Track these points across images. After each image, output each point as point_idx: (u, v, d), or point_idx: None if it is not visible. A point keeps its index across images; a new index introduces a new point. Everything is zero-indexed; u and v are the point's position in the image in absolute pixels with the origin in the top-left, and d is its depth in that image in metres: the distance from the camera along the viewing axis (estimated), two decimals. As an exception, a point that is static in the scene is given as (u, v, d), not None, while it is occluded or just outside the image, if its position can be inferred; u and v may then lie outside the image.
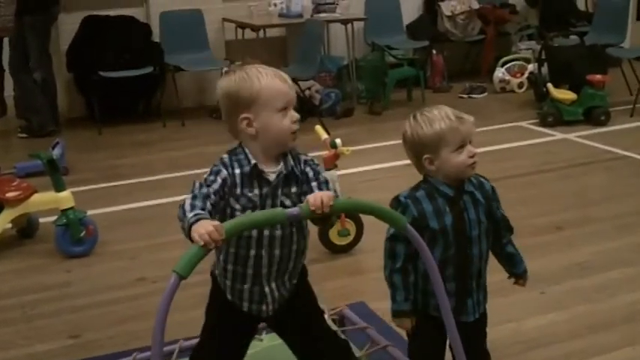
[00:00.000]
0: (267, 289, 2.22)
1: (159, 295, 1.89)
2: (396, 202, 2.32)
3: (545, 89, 6.81)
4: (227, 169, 2.13)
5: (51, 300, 3.68)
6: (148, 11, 7.56)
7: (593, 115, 6.63)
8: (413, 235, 2.13)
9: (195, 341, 2.87)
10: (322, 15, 7.61)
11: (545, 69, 7.25)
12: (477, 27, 8.51)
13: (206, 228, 1.89)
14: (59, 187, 4.18)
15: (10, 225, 4.33)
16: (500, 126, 6.74)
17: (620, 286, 3.61)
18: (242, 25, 7.58)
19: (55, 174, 4.17)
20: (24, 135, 6.75)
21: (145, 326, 3.16)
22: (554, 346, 3.09)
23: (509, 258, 2.49)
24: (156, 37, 7.38)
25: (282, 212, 1.99)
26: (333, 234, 4.04)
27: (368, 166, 5.57)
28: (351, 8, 8.00)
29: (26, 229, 4.45)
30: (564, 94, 6.71)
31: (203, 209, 2.00)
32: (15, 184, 4.37)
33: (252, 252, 2.17)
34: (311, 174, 2.19)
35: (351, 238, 4.09)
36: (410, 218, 2.25)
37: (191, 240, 1.91)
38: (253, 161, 2.14)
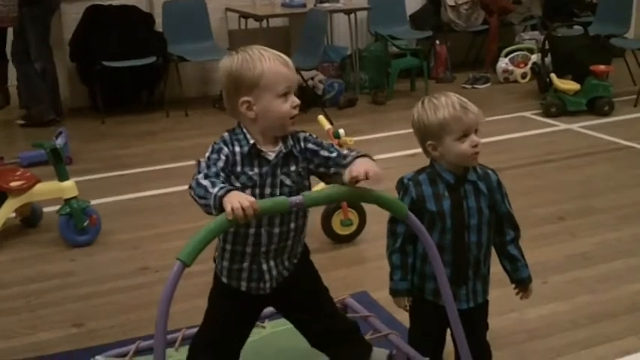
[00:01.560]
0: (264, 267, 2.23)
1: (162, 285, 1.90)
2: (400, 183, 2.37)
3: (548, 79, 6.80)
4: (228, 147, 2.14)
5: (54, 289, 3.69)
6: (150, 1, 7.55)
7: (596, 106, 6.62)
8: (414, 223, 2.16)
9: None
10: (325, 5, 7.60)
11: (548, 59, 7.23)
12: (480, 17, 8.49)
13: (242, 202, 1.90)
14: (62, 177, 4.19)
15: (13, 214, 4.34)
16: (504, 116, 6.74)
17: (623, 277, 3.62)
18: (245, 15, 7.57)
19: (59, 163, 4.18)
20: (22, 122, 6.79)
21: (147, 315, 3.17)
22: (556, 335, 3.10)
23: (512, 260, 2.47)
24: (159, 26, 7.37)
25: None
26: (335, 224, 4.05)
27: (371, 156, 5.58)
28: (355, -2, 8.00)
29: (30, 218, 4.46)
30: (568, 85, 6.70)
31: (224, 184, 2.01)
32: (18, 173, 4.37)
33: (252, 230, 2.17)
34: (314, 147, 2.20)
35: (353, 227, 4.09)
36: (409, 199, 2.31)
37: (211, 213, 1.94)
38: (252, 141, 2.14)
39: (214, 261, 2.34)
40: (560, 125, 6.40)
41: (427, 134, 2.30)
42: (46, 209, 4.50)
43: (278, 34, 7.82)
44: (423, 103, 2.34)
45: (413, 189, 2.33)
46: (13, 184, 4.21)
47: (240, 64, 2.13)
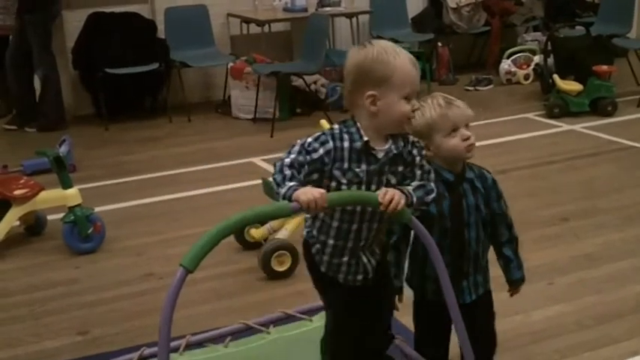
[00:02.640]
0: (364, 260, 2.26)
1: (166, 291, 1.90)
2: None
3: (551, 80, 6.79)
4: (334, 142, 2.12)
5: (59, 297, 3.69)
6: (152, 7, 7.55)
7: (599, 106, 6.61)
8: (417, 226, 2.17)
9: (201, 336, 2.89)
10: (327, 9, 7.60)
11: (551, 60, 7.22)
12: (482, 19, 8.48)
13: (313, 194, 1.96)
14: (66, 185, 4.19)
15: (17, 223, 4.34)
16: (507, 118, 6.73)
17: (628, 277, 3.61)
18: (247, 20, 7.58)
19: (62, 171, 4.19)
20: (9, 127, 6.91)
21: (152, 322, 3.17)
22: (561, 337, 3.09)
23: (505, 261, 2.50)
24: (161, 33, 7.38)
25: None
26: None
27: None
28: (356, 1, 8.00)
29: (34, 226, 4.47)
30: (570, 85, 6.69)
31: (300, 182, 2.04)
32: (22, 181, 4.38)
33: (355, 226, 2.20)
34: (417, 159, 2.21)
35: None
36: None
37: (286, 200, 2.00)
38: (365, 138, 2.13)
39: (304, 247, 2.34)
40: (563, 126, 6.39)
41: (420, 136, 2.31)
42: (50, 217, 4.51)
43: (280, 39, 7.83)
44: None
45: None
46: (16, 192, 4.21)
47: (375, 58, 2.10)
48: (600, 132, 6.15)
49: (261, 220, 3.78)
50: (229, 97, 7.32)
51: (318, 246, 2.28)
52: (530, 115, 6.80)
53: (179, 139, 6.60)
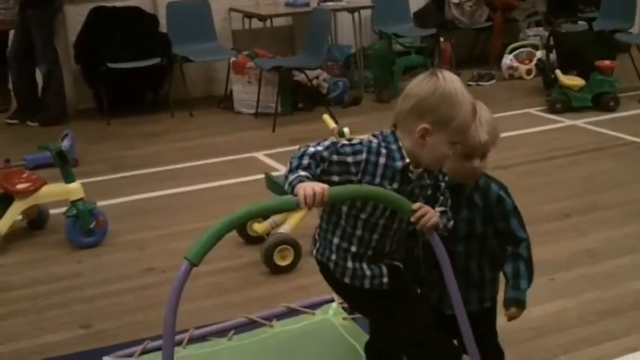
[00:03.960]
0: (384, 267, 2.24)
1: (168, 285, 1.90)
2: None
3: (553, 76, 6.79)
4: (369, 155, 2.09)
5: (61, 291, 3.70)
6: (154, 1, 7.55)
7: (601, 102, 6.61)
8: (434, 240, 2.16)
9: (205, 330, 2.91)
10: (329, 3, 7.60)
11: (553, 55, 7.23)
12: (484, 14, 8.48)
13: (314, 188, 1.92)
14: (69, 179, 4.20)
15: (20, 217, 4.35)
16: (509, 113, 6.72)
17: (629, 273, 3.61)
18: (249, 15, 7.57)
19: (65, 165, 4.19)
20: (14, 122, 6.93)
21: (154, 316, 3.18)
22: (562, 332, 3.10)
23: (505, 277, 2.39)
24: (163, 27, 7.38)
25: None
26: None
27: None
28: (358, -4, 7.99)
29: (37, 220, 4.47)
30: (573, 81, 6.69)
31: (313, 175, 2.01)
32: (25, 176, 4.38)
33: (376, 236, 2.18)
34: (442, 185, 2.21)
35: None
36: None
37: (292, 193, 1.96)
38: (407, 160, 2.10)
39: (322, 267, 2.31)
40: (565, 121, 6.39)
41: None
42: (52, 211, 4.51)
43: (282, 34, 7.83)
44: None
45: None
46: (19, 186, 4.22)
47: (443, 95, 2.06)
48: (602, 127, 6.15)
49: (265, 215, 3.79)
50: (231, 91, 7.33)
51: (334, 257, 2.24)
52: (533, 111, 6.80)
53: (181, 133, 6.60)
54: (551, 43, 7.26)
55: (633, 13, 7.91)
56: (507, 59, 8.07)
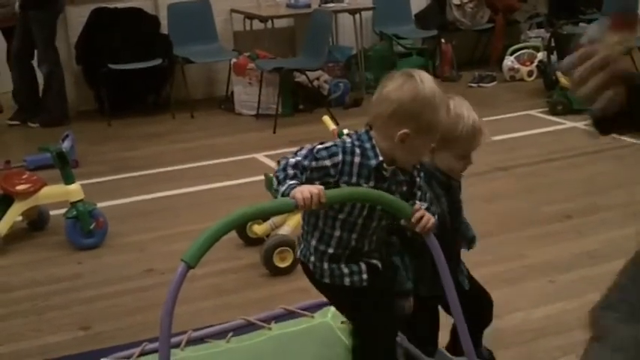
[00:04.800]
0: (363, 265, 2.25)
1: (168, 287, 1.90)
2: None
3: (554, 77, 6.79)
4: (344, 155, 2.11)
5: (61, 292, 3.70)
6: (156, 3, 7.56)
7: (602, 103, 6.59)
8: (432, 241, 2.16)
9: (203, 332, 2.90)
10: (330, 5, 7.60)
11: (554, 57, 7.22)
12: (485, 15, 8.48)
13: (311, 190, 1.94)
14: (69, 180, 4.20)
15: (20, 218, 4.35)
16: (510, 115, 6.72)
17: (630, 275, 3.60)
18: (250, 16, 7.58)
19: (65, 167, 4.19)
20: (15, 122, 6.94)
21: (154, 317, 3.17)
22: (563, 334, 3.08)
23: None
24: (164, 28, 7.39)
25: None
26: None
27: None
28: (359, -2, 7.99)
29: (37, 221, 4.48)
30: (574, 83, 6.67)
31: (301, 182, 2.03)
32: (25, 177, 4.39)
33: (355, 235, 2.20)
34: (418, 180, 2.22)
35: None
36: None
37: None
38: (381, 158, 2.11)
39: (304, 268, 2.34)
40: (566, 123, 6.38)
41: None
42: (52, 212, 4.51)
43: (283, 35, 7.83)
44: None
45: None
46: (19, 187, 4.22)
47: (424, 102, 2.05)
48: (603, 129, 6.13)
49: (263, 216, 3.79)
50: (232, 93, 7.33)
51: (312, 259, 2.26)
52: (533, 112, 6.79)
53: (182, 135, 6.60)
54: (553, 44, 7.25)
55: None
56: (508, 61, 8.06)
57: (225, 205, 4.55)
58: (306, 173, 2.08)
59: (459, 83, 8.01)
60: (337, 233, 2.20)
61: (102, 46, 6.95)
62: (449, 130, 2.24)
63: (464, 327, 2.26)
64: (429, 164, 2.33)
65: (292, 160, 2.08)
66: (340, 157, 2.10)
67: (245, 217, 1.96)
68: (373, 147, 2.12)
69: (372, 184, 2.13)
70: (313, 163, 2.08)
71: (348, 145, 2.12)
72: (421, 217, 2.10)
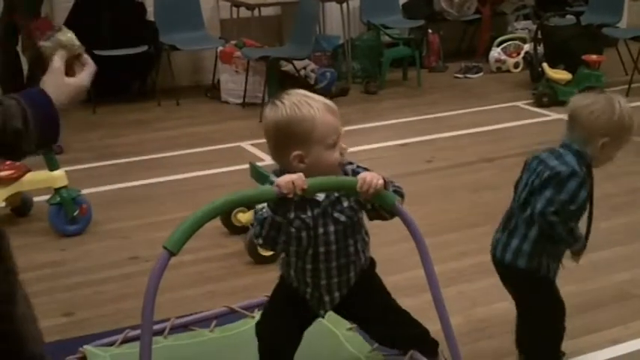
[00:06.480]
0: (326, 298, 2.27)
1: (151, 274, 1.89)
2: (575, 174, 2.54)
3: (540, 69, 6.81)
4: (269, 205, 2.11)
5: (44, 278, 3.68)
6: (142, -11, 7.52)
7: (588, 96, 6.61)
8: (400, 211, 2.12)
9: (186, 319, 2.90)
10: (318, -6, 7.57)
11: (541, 49, 7.24)
12: (473, 6, 8.48)
13: (290, 176, 1.94)
14: (53, 166, 4.17)
15: (4, 204, 4.32)
16: (496, 106, 6.74)
17: (612, 266, 3.63)
18: (237, 4, 7.54)
19: (49, 153, 4.16)
20: None
21: (137, 304, 3.13)
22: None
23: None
24: (150, 15, 7.34)
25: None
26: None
27: (363, 146, 5.54)
28: (347, -13, 7.96)
29: (20, 207, 4.45)
30: (560, 74, 6.70)
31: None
32: (8, 163, 4.35)
33: (309, 266, 2.21)
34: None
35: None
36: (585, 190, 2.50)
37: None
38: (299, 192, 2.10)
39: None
40: (551, 115, 6.40)
41: None
42: (36, 199, 4.49)
43: (270, 24, 7.80)
44: None
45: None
46: (2, 173, 4.19)
47: (290, 117, 2.07)
48: (588, 121, 6.15)
49: (245, 204, 3.77)
50: (218, 81, 7.30)
51: (287, 273, 2.33)
52: (519, 104, 6.81)
53: (167, 122, 6.58)
54: (539, 36, 7.27)
55: (621, 8, 7.92)
56: (495, 52, 8.08)
57: (211, 194, 4.52)
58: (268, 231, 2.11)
59: (445, 74, 8.02)
60: (293, 259, 2.24)
61: (87, 32, 6.81)
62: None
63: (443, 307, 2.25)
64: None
65: (256, 231, 2.13)
66: (269, 213, 2.11)
67: (228, 205, 1.95)
68: None
69: (309, 212, 2.15)
70: (264, 223, 2.10)
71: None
72: (365, 180, 2.01)
